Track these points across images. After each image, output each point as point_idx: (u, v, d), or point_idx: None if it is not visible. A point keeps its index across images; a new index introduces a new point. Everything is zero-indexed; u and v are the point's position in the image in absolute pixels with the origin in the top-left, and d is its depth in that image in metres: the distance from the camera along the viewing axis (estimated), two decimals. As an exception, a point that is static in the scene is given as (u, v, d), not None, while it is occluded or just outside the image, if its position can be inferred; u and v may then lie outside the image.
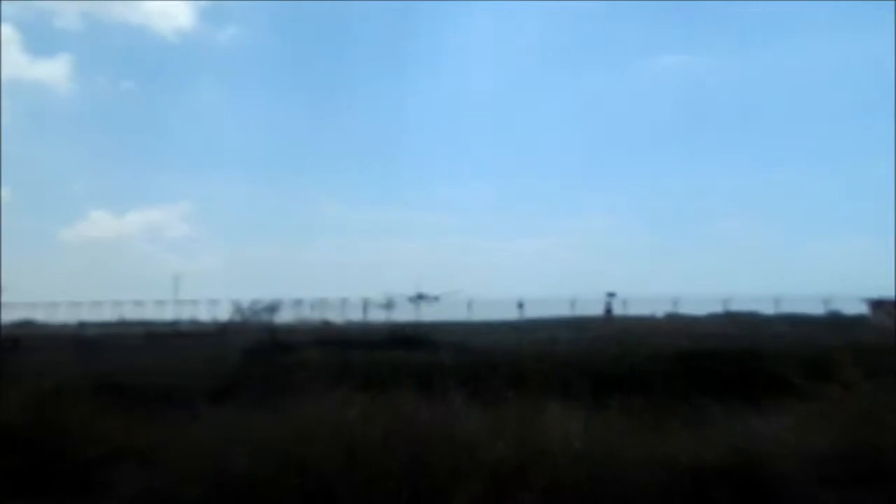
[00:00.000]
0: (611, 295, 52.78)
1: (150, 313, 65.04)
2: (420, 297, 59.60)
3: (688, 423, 9.69)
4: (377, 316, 60.35)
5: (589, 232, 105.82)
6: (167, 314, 64.15)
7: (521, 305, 52.81)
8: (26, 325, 55.57)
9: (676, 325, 48.67)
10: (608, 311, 52.97)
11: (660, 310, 60.27)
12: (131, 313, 65.66)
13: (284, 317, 61.63)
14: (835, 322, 43.80)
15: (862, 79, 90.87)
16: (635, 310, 54.07)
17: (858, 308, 46.84)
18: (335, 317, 64.05)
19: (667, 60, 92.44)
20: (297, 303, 59.50)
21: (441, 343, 25.14)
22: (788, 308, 51.29)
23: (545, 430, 6.26)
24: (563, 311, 53.82)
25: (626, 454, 6.59)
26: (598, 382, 16.86)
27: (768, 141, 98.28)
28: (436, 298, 60.07)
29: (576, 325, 47.20)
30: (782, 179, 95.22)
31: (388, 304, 58.41)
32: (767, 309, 54.48)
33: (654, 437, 7.10)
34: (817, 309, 50.28)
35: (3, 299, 50.70)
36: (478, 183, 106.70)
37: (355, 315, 60.09)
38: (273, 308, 53.78)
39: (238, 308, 50.00)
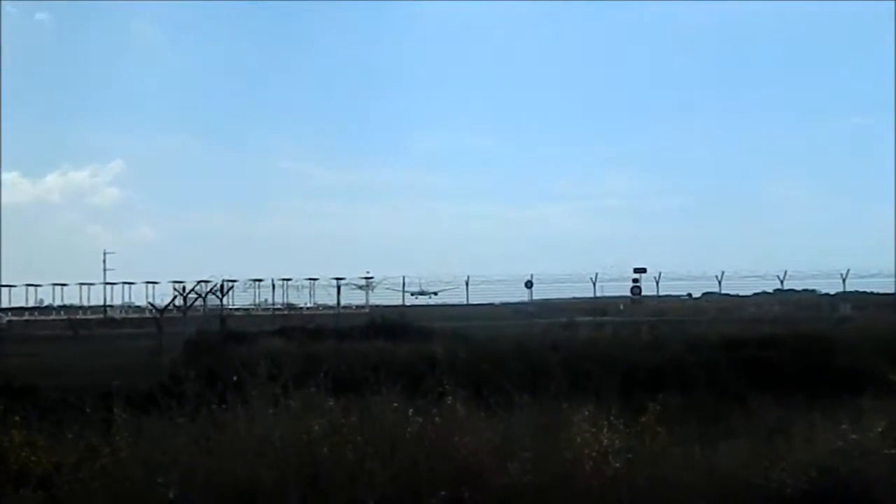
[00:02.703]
0: (639, 271, 52.59)
1: (74, 297, 65.60)
2: (421, 293, 60.16)
3: (748, 430, 9.33)
4: (353, 299, 60.60)
5: (610, 196, 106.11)
6: (94, 298, 64.94)
7: (529, 285, 52.58)
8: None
9: (718, 306, 48.85)
10: (636, 290, 52.84)
11: (697, 289, 60.75)
12: (50, 297, 66.01)
13: (238, 300, 62.18)
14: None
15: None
16: (668, 289, 54.24)
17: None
18: (301, 300, 64.70)
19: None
20: (254, 283, 59.38)
21: (434, 332, 24.90)
22: (852, 286, 51.60)
23: (571, 447, 5.76)
24: (580, 291, 53.91)
25: (676, 476, 6.02)
26: (629, 377, 16.66)
27: (828, 85, 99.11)
28: (435, 294, 60.96)
29: (597, 308, 47.23)
30: (846, 129, 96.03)
31: (368, 285, 58.32)
32: (827, 286, 54.69)
33: (709, 452, 6.63)
34: (887, 287, 50.34)
35: None
36: (472, 135, 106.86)
37: (326, 298, 60.22)
38: (223, 290, 53.46)
39: (181, 290, 49.51)
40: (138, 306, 60.44)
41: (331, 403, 6.02)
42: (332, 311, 54.84)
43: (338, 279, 57.41)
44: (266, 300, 62.30)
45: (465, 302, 52.76)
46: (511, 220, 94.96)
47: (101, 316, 56.91)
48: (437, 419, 5.87)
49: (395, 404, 6.00)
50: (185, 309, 40.04)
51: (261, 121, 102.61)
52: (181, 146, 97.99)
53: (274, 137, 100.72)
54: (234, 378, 6.84)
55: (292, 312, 54.55)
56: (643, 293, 53.55)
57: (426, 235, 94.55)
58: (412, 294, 59.57)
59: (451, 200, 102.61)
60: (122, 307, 64.03)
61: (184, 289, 48.46)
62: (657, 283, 51.15)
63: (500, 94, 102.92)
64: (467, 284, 51.55)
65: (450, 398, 6.12)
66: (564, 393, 7.03)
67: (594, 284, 50.95)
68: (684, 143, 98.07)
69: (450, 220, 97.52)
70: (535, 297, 52.86)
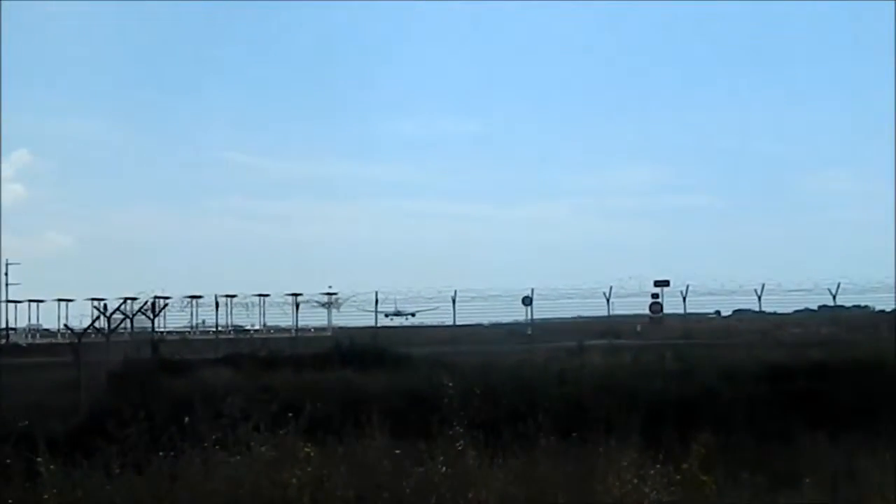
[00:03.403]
0: (660, 285, 52.71)
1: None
2: (396, 314, 59.87)
3: (804, 476, 9.26)
4: (313, 319, 60.16)
5: (623, 193, 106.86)
6: (-6, 320, 64.44)
7: (527, 301, 52.42)
8: None
9: (754, 326, 49.11)
10: (656, 308, 52.99)
11: (729, 305, 60.74)
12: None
13: (172, 322, 61.09)
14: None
15: None
16: (695, 306, 54.38)
17: None
18: (249, 321, 64.00)
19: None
20: (192, 301, 58.75)
21: (413, 359, 24.91)
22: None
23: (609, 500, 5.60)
24: (588, 309, 53.71)
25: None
26: (654, 414, 16.78)
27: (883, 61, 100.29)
28: (412, 315, 60.83)
29: (609, 330, 47.33)
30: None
31: (332, 303, 58.04)
32: (885, 302, 54.98)
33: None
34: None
35: None
36: (455, 120, 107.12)
37: (280, 319, 59.72)
38: (155, 309, 52.93)
39: (102, 310, 48.84)
40: (49, 329, 59.67)
41: (307, 450, 5.93)
42: (287, 335, 54.38)
43: (295, 295, 56.86)
44: (205, 321, 61.83)
45: (450, 322, 52.50)
46: (504, 222, 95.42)
47: (2, 342, 56.20)
48: (443, 469, 5.76)
49: (397, 451, 5.89)
50: (107, 332, 39.62)
51: (199, 103, 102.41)
52: (101, 134, 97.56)
53: (215, 123, 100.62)
54: (186, 419, 6.77)
55: (239, 336, 54.14)
56: (665, 311, 53.77)
57: (402, 242, 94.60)
58: (386, 315, 59.30)
59: (430, 199, 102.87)
60: (28, 330, 63.23)
61: (105, 307, 47.86)
62: (683, 298, 51.16)
63: (488, 71, 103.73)
64: (453, 301, 51.15)
65: (460, 443, 6.00)
66: (582, 433, 6.99)
67: (607, 301, 50.82)
68: (713, 130, 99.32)
69: (430, 222, 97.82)
70: (534, 316, 52.70)
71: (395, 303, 57.76)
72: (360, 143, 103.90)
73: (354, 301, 55.88)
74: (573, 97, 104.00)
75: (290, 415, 6.77)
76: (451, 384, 7.70)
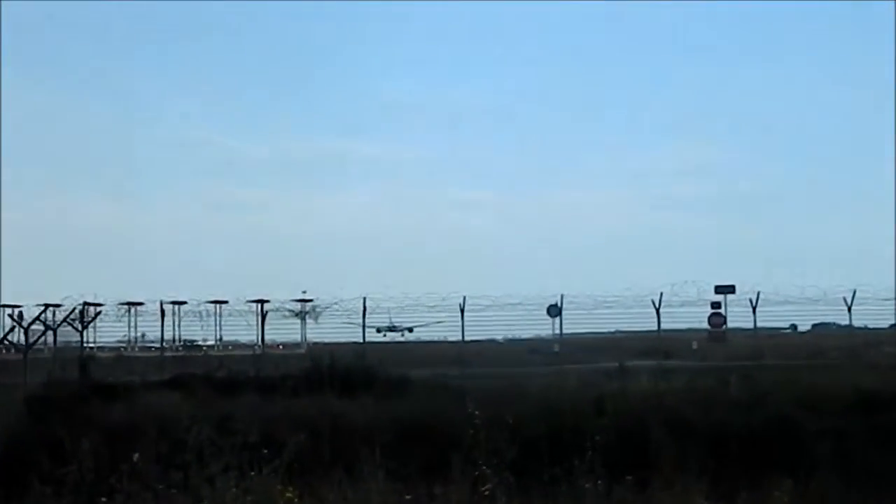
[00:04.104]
0: (723, 291, 52.82)
1: None
2: (390, 330, 60.47)
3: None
4: (284, 333, 60.17)
5: (674, 176, 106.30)
6: None
7: (555, 312, 52.54)
8: None
9: (841, 343, 48.97)
10: (717, 320, 53.07)
11: (807, 317, 60.39)
12: None
13: (106, 334, 60.59)
14: None
15: None
16: (765, 318, 54.24)
17: None
18: (203, 334, 63.30)
19: None
20: (131, 309, 58.87)
21: (412, 383, 24.81)
22: None
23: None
24: (632, 321, 53.40)
25: None
26: (716, 451, 16.87)
27: None
28: (409, 331, 62.02)
29: (658, 348, 47.33)
30: None
31: (307, 312, 58.08)
32: None
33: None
34: None
35: None
36: (461, 84, 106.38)
37: (241, 332, 59.61)
38: (85, 319, 53.09)
39: (17, 318, 49.02)
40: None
41: (289, 495, 5.94)
42: (251, 352, 54.51)
43: (260, 302, 56.90)
44: (146, 334, 62.04)
45: (457, 337, 52.54)
46: (524, 212, 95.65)
47: None
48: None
49: (408, 497, 5.91)
50: (25, 347, 39.75)
51: (152, 68, 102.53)
52: (31, 101, 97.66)
53: (171, 92, 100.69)
54: (136, 456, 6.80)
55: (191, 353, 54.31)
56: (728, 324, 53.84)
57: (397, 236, 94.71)
58: (378, 331, 59.42)
59: (433, 185, 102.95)
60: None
61: (21, 315, 48.22)
62: (753, 308, 51.16)
63: (502, 22, 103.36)
64: (461, 311, 51.17)
65: (487, 486, 6.04)
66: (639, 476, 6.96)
67: (656, 311, 50.75)
68: (782, 98, 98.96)
69: (433, 213, 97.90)
70: (563, 330, 52.80)
71: (389, 314, 57.55)
72: (349, 118, 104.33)
73: (337, 310, 55.81)
74: (610, 55, 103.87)
75: (266, 451, 6.76)
76: (476, 412, 7.69)
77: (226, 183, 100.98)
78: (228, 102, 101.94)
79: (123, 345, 61.27)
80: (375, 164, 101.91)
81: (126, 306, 58.64)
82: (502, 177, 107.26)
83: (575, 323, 53.34)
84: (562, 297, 51.20)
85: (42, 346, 46.47)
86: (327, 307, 56.01)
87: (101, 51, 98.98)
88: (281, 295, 58.06)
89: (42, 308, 50.62)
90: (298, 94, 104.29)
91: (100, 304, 55.32)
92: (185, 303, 58.28)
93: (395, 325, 60.64)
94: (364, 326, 53.49)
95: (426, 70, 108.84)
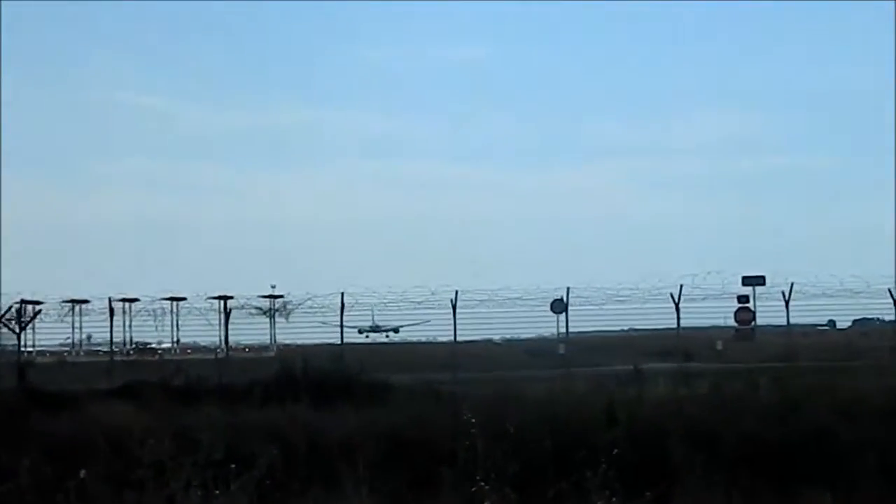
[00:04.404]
0: (751, 282, 52.96)
1: None
2: (373, 330, 60.56)
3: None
4: (249, 334, 60.15)
5: (693, 151, 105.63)
6: None
7: (559, 307, 52.67)
8: None
9: (887, 342, 49.24)
10: (745, 316, 53.24)
11: (847, 312, 59.97)
12: None
13: (46, 337, 60.18)
14: None
15: None
16: (799, 313, 54.21)
17: None
18: (157, 336, 62.74)
19: None
20: (74, 307, 58.81)
21: (396, 390, 24.91)
22: None
23: None
24: (647, 318, 53.46)
25: None
26: (743, 464, 17.06)
27: None
28: (395, 331, 62.72)
29: (677, 348, 47.32)
30: None
31: (277, 310, 58.16)
32: None
33: None
34: None
35: None
36: (454, 44, 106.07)
37: (201, 332, 59.35)
38: (22, 319, 53.14)
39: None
40: None
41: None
42: (212, 355, 54.46)
43: (223, 299, 57.08)
44: (93, 336, 61.98)
45: (449, 337, 52.67)
46: (525, 192, 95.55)
47: None
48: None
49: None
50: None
51: (88, 26, 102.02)
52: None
53: (110, 53, 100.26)
54: (83, 473, 6.96)
55: (144, 358, 54.33)
56: (757, 321, 54.04)
57: (379, 221, 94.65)
58: (360, 331, 59.49)
59: (421, 160, 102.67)
60: None
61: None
62: (785, 302, 51.35)
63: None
64: (453, 307, 51.36)
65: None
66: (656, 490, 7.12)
67: (676, 306, 50.90)
68: (818, 63, 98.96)
69: (421, 193, 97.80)
70: (569, 329, 52.97)
71: (372, 311, 57.54)
72: (321, 81, 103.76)
73: (311, 307, 55.95)
74: (618, 20, 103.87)
75: (233, 467, 6.92)
76: (473, 419, 7.80)
77: (179, 159, 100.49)
78: (181, 65, 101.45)
79: (67, 348, 61.25)
80: (351, 136, 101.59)
81: (69, 304, 58.73)
82: (498, 151, 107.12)
83: (582, 320, 53.48)
84: (567, 290, 51.26)
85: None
86: (300, 304, 56.04)
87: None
88: (247, 290, 58.07)
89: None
90: (257, 51, 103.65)
91: (39, 303, 55.32)
92: (136, 300, 58.29)
93: (379, 324, 60.76)
94: (342, 326, 53.56)
95: (413, 30, 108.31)
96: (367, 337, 60.65)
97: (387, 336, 61.55)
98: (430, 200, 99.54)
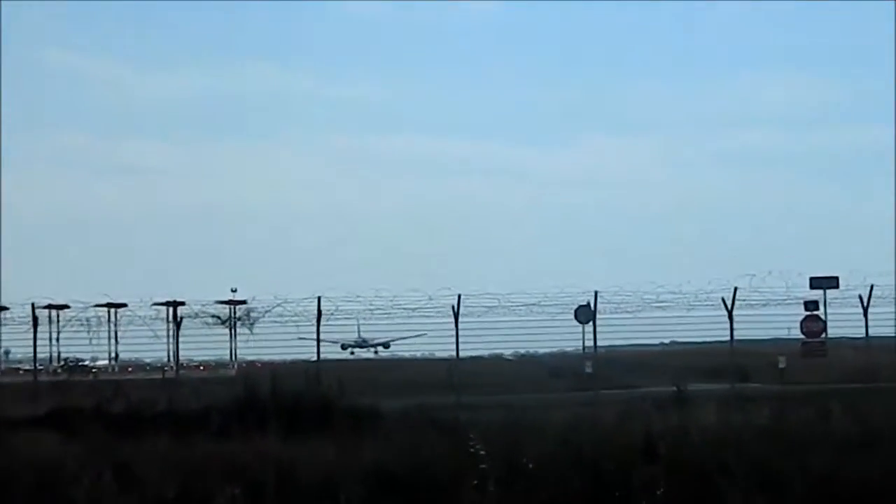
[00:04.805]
0: (822, 286, 52.89)
1: None
2: (359, 346, 60.88)
3: None
4: (207, 348, 59.76)
5: (744, 121, 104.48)
6: None
7: (586, 315, 52.66)
8: None
9: None
10: (813, 326, 53.19)
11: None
12: None
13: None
14: None
15: None
16: (881, 322, 54.13)
17: None
18: (91, 350, 63.54)
19: None
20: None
21: (384, 417, 24.77)
22: None
23: None
24: (690, 328, 53.05)
25: None
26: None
27: None
28: (384, 346, 63.67)
29: (728, 366, 47.33)
30: None
31: (238, 318, 58.16)
32: None
33: None
34: None
35: None
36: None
37: (147, 347, 59.36)
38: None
39: None
40: None
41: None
42: (158, 375, 54.51)
43: (172, 305, 57.13)
44: (10, 352, 62.20)
45: (450, 352, 52.51)
46: (541, 172, 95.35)
47: None
48: None
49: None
50: None
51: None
52: None
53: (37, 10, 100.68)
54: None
55: (76, 378, 54.29)
56: (828, 332, 53.96)
57: (364, 209, 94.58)
58: (343, 347, 59.54)
59: (415, 133, 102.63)
60: None
61: None
62: (864, 309, 51.27)
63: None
64: (455, 316, 51.36)
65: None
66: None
67: (728, 314, 50.93)
68: None
69: (416, 174, 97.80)
70: (598, 342, 52.85)
71: (357, 322, 57.13)
72: (287, 38, 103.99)
73: (280, 315, 55.83)
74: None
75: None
76: (482, 452, 7.71)
77: (112, 133, 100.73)
78: (116, 21, 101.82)
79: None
80: (330, 103, 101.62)
81: None
82: (507, 126, 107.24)
83: (614, 331, 53.48)
84: (595, 294, 51.26)
85: None
86: (267, 311, 55.91)
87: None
88: (201, 294, 58.22)
89: None
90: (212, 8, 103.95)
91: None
92: (66, 307, 58.30)
93: (365, 338, 60.75)
94: (318, 338, 53.53)
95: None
96: (351, 353, 60.75)
97: (375, 352, 61.69)
98: (426, 182, 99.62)
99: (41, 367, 57.16)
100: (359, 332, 59.88)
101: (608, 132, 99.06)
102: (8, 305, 57.29)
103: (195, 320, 56.50)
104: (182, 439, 22.66)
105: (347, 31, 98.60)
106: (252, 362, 56.85)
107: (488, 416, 26.99)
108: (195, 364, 58.46)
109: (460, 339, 50.79)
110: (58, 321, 58.76)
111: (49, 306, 57.07)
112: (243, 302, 57.20)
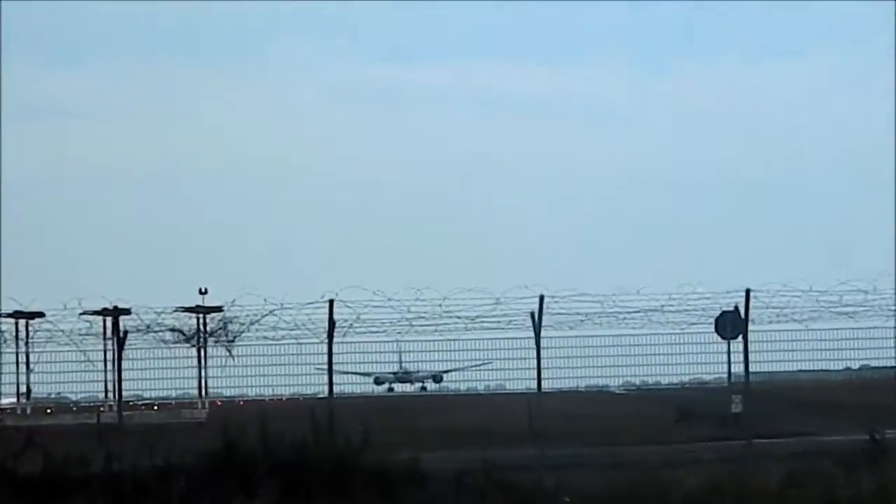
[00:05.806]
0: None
1: None
2: (401, 379, 61.55)
3: None
4: (166, 381, 60.11)
5: None
6: None
7: (735, 327, 52.45)
8: None
9: None
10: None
11: None
12: None
13: None
14: None
15: None
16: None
17: None
18: (3, 385, 64.51)
19: None
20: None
21: (435, 477, 24.93)
22: None
23: None
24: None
25: None
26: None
27: None
28: (435, 380, 62.22)
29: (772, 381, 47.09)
30: None
31: (210, 334, 58.49)
32: None
33: None
34: None
35: None
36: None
37: (80, 380, 59.83)
38: None
39: None
40: None
41: None
42: (91, 419, 54.96)
43: (112, 314, 57.47)
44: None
45: (530, 383, 52.41)
46: (644, 107, 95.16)
47: None
48: None
49: None
50: None
51: None
52: None
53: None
54: None
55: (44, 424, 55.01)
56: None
57: (383, 179, 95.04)
58: (377, 381, 59.95)
59: (451, 61, 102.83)
60: None
61: None
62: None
63: None
64: (536, 328, 51.33)
65: None
66: None
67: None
68: None
69: (456, 132, 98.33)
70: (750, 367, 52.69)
71: (396, 341, 56.17)
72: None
73: (272, 328, 55.86)
74: None
75: None
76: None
77: (50, 113, 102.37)
78: None
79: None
80: (323, 38, 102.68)
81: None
82: (594, 38, 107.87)
83: (774, 351, 53.25)
84: (747, 294, 51.02)
85: None
86: (253, 322, 55.74)
87: None
88: (154, 299, 58.25)
89: None
90: None
91: None
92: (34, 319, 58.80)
93: (408, 370, 60.88)
94: (331, 362, 53.19)
95: None
96: (390, 390, 61.25)
97: (423, 388, 62.14)
98: (480, 138, 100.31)
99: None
100: (401, 362, 59.02)
101: (733, 52, 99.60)
102: None
103: (146, 336, 56.35)
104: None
105: None
106: (232, 399, 57.08)
107: (587, 478, 27.05)
108: (146, 402, 58.88)
109: (543, 364, 50.83)
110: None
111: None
112: (218, 309, 57.21)
